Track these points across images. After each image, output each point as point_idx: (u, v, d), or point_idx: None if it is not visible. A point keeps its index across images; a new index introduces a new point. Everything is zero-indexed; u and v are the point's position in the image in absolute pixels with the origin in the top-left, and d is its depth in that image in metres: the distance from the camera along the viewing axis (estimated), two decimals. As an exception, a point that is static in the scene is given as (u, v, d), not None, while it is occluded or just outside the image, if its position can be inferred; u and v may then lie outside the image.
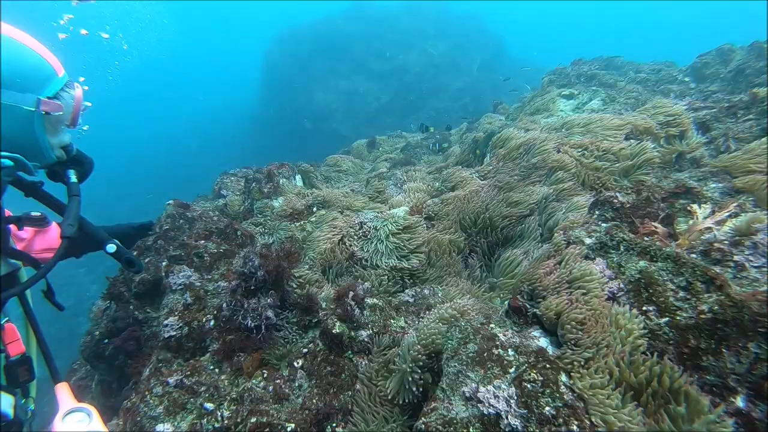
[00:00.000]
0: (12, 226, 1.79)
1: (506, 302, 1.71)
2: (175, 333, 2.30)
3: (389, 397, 1.79)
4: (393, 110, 15.35)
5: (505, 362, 1.47)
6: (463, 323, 1.65)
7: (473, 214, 2.72)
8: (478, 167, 3.53)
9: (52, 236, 1.99)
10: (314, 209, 3.20)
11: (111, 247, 1.79)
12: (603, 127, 2.90)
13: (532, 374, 1.39)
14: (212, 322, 2.32)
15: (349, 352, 2.08)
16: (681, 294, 1.32)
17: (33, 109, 1.51)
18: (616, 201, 1.83)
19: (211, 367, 2.22)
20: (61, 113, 1.59)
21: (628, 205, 1.80)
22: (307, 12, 18.54)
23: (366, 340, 2.09)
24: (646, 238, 1.52)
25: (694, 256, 1.46)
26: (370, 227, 2.82)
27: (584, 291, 1.54)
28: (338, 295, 2.15)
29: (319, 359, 2.08)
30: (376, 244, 2.74)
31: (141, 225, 2.28)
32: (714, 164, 2.55)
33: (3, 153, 1.47)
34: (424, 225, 2.86)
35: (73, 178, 1.73)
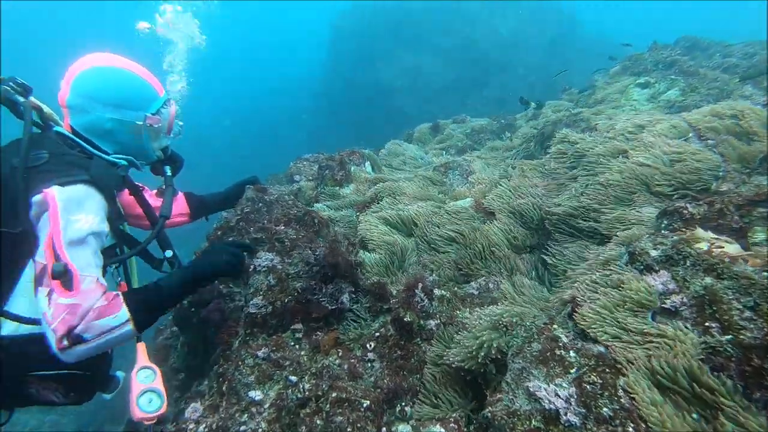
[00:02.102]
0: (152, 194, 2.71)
1: (569, 305, 1.82)
2: (260, 310, 2.59)
3: (453, 365, 1.97)
4: (457, 88, 15.14)
5: (567, 363, 1.59)
6: (528, 323, 1.78)
7: (536, 211, 2.79)
8: (542, 160, 3.55)
9: (180, 203, 3.07)
10: (381, 197, 3.38)
11: (168, 252, 2.41)
12: (665, 128, 2.83)
13: (592, 377, 1.50)
14: (293, 303, 2.58)
15: (418, 339, 2.26)
16: (747, 314, 1.37)
17: (141, 123, 2.07)
18: (686, 212, 1.86)
19: (292, 343, 2.50)
20: (160, 125, 2.15)
21: (698, 217, 1.83)
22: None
23: (434, 329, 2.27)
24: (714, 254, 1.56)
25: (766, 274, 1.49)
26: (432, 218, 2.98)
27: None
28: (408, 285, 2.33)
29: (389, 343, 2.28)
30: (437, 233, 2.89)
31: (245, 180, 3.40)
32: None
33: (121, 156, 2.06)
34: (483, 218, 2.97)
35: (169, 173, 2.40)
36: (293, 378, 2.20)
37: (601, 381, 1.48)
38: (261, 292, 2.66)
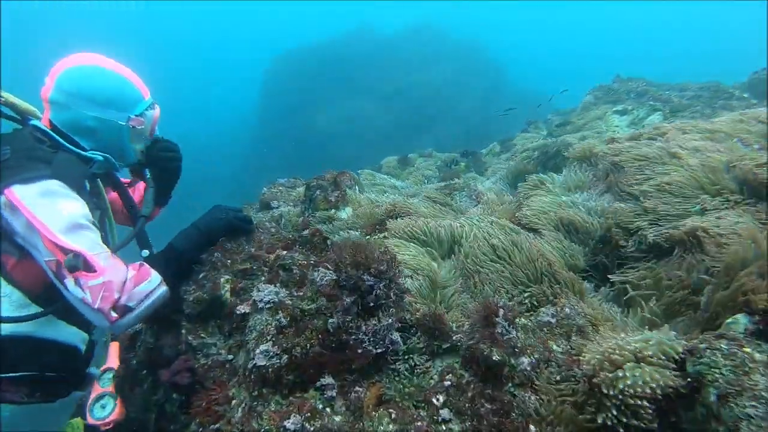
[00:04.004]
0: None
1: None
2: (272, 362, 1.86)
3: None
4: (397, 134, 15.20)
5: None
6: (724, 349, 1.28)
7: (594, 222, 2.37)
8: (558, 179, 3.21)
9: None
10: (397, 216, 2.81)
11: (145, 252, 2.30)
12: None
13: None
14: (317, 348, 1.89)
15: (510, 384, 1.67)
16: None
17: (124, 124, 2.06)
18: None
19: (320, 406, 1.78)
20: (143, 127, 2.14)
21: None
22: (309, 34, 18.50)
23: (528, 369, 1.68)
24: None
25: None
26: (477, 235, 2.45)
27: None
28: (485, 312, 1.74)
29: (470, 394, 1.66)
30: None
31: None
32: None
33: (97, 153, 2.03)
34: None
35: (149, 175, 2.33)
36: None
37: None
38: (269, 337, 1.93)
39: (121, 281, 1.69)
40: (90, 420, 1.84)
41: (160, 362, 2.51)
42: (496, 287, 2.19)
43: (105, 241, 2.04)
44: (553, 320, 1.99)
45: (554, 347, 1.76)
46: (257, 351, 1.88)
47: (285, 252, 2.36)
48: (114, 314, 1.66)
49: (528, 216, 2.60)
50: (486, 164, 6.26)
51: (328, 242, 2.40)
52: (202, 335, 2.53)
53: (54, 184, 1.72)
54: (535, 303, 2.16)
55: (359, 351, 1.81)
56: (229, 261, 2.62)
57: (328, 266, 1.98)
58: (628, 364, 1.33)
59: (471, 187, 3.42)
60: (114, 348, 2.15)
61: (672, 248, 2.08)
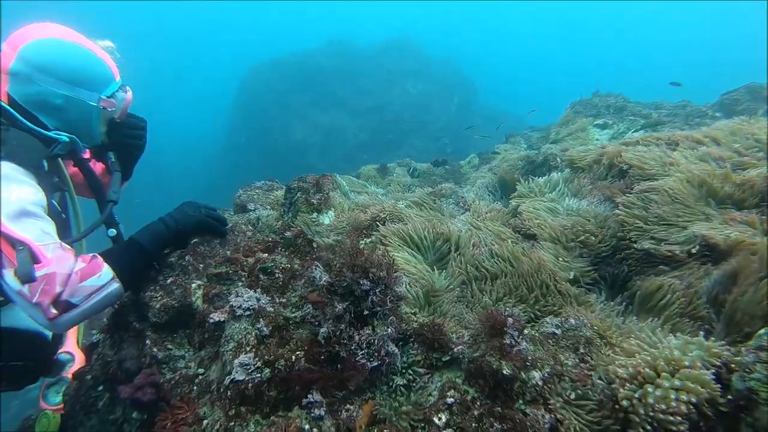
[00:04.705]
0: None
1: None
2: (252, 376, 1.64)
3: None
4: (371, 147, 15.13)
5: None
6: None
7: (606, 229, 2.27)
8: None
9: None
10: (385, 220, 2.65)
11: (112, 231, 2.21)
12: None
13: None
14: (303, 361, 1.68)
15: (520, 401, 1.50)
16: None
17: (94, 104, 1.95)
18: None
19: (307, 426, 1.58)
20: (113, 109, 2.02)
21: None
22: (286, 45, 18.36)
23: (539, 383, 1.53)
24: None
25: None
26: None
27: None
28: (494, 323, 1.59)
29: (476, 413, 1.48)
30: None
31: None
32: None
33: (63, 133, 1.89)
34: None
35: (113, 159, 2.18)
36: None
37: None
38: (249, 348, 1.71)
39: (65, 274, 1.53)
40: (43, 405, 1.81)
41: (119, 377, 2.24)
42: (497, 297, 2.04)
43: (67, 221, 2.05)
44: (558, 331, 1.85)
45: (565, 360, 1.61)
46: (235, 363, 1.66)
47: (266, 255, 2.15)
48: (53, 310, 1.51)
49: (525, 223, 2.48)
50: (465, 175, 6.21)
51: (314, 245, 2.20)
52: (169, 347, 2.27)
53: (4, 167, 1.58)
54: (538, 313, 2.02)
55: (355, 366, 1.61)
56: (201, 265, 2.39)
57: (320, 266, 1.78)
58: (663, 374, 1.19)
59: (458, 194, 3.29)
60: (72, 331, 2.10)
61: (679, 257, 1.99)
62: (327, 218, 2.97)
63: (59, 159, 1.96)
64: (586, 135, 4.92)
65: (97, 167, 2.38)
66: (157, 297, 2.21)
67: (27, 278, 1.45)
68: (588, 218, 2.33)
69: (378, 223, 2.61)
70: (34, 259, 1.48)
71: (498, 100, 20.79)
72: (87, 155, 2.28)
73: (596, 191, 2.45)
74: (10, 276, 1.48)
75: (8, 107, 1.78)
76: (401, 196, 3.78)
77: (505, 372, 1.48)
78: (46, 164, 1.81)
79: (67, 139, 1.92)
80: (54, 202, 1.91)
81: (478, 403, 1.51)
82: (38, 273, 1.47)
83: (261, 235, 2.88)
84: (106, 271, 1.68)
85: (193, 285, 2.29)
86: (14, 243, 1.48)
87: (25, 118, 1.80)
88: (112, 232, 2.21)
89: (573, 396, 1.51)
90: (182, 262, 2.40)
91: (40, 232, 1.55)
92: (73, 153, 2.02)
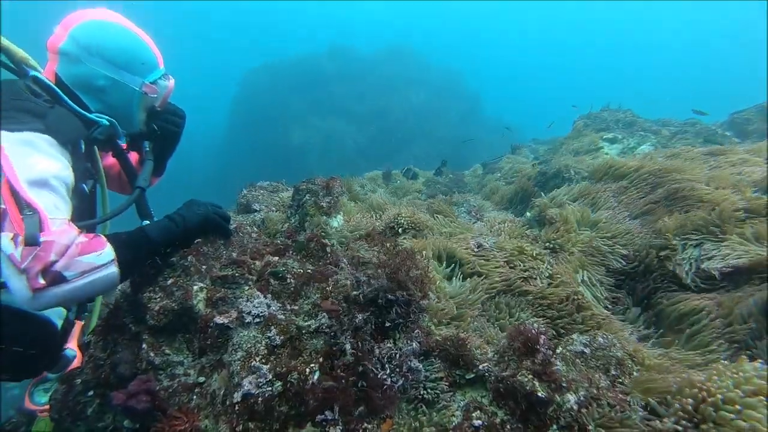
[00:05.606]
0: None
1: None
2: (263, 390, 1.51)
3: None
4: (371, 154, 15.03)
5: None
6: None
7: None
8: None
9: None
10: (399, 231, 2.53)
11: (146, 222, 2.08)
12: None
13: None
14: (317, 374, 1.56)
15: (554, 426, 1.39)
16: None
17: (137, 89, 1.93)
18: None
19: (320, 447, 1.45)
20: (155, 96, 2.00)
21: None
22: (286, 48, 18.29)
23: (575, 408, 1.42)
24: None
25: None
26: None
27: None
28: (526, 339, 1.48)
29: (507, 438, 1.37)
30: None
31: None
32: None
33: (104, 116, 1.89)
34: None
35: (147, 148, 2.17)
36: None
37: None
38: (259, 358, 1.59)
39: (64, 244, 1.41)
40: (28, 404, 1.75)
41: (111, 382, 2.10)
42: (525, 315, 1.94)
43: (93, 208, 2.00)
44: (587, 350, 1.74)
45: (601, 384, 1.50)
46: (244, 375, 1.53)
47: (276, 258, 2.03)
48: (41, 280, 1.35)
49: (548, 236, 2.38)
50: (467, 185, 6.13)
51: (327, 249, 2.09)
52: (167, 352, 2.13)
53: (40, 138, 1.56)
54: (561, 330, 1.92)
55: (381, 385, 1.49)
56: (204, 267, 2.25)
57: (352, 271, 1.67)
58: (738, 399, 1.09)
59: (470, 203, 3.20)
60: (76, 327, 1.99)
61: (714, 277, 1.90)
62: (336, 222, 2.85)
63: (95, 147, 1.95)
64: (597, 149, 4.86)
65: (132, 158, 2.34)
66: (156, 298, 2.07)
67: (32, 241, 1.35)
68: (615, 232, 2.24)
69: (397, 228, 2.50)
70: (40, 226, 1.39)
71: (501, 110, 20.79)
72: (124, 146, 2.24)
73: (621, 206, 2.36)
74: (6, 239, 1.37)
75: (54, 86, 1.77)
76: (416, 202, 3.69)
77: (540, 394, 1.36)
78: (83, 146, 1.82)
79: (107, 123, 1.90)
80: (85, 186, 1.87)
81: (509, 427, 1.40)
82: (40, 239, 1.38)
83: (268, 237, 2.76)
84: (107, 251, 1.56)
85: (195, 287, 2.15)
86: (23, 207, 1.40)
87: (69, 98, 1.80)
88: (146, 222, 2.11)
89: (611, 423, 1.40)
90: (184, 263, 2.26)
91: (52, 206, 1.48)
92: (111, 138, 2.00)
